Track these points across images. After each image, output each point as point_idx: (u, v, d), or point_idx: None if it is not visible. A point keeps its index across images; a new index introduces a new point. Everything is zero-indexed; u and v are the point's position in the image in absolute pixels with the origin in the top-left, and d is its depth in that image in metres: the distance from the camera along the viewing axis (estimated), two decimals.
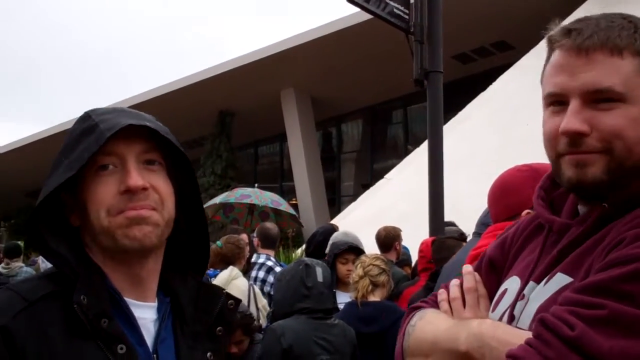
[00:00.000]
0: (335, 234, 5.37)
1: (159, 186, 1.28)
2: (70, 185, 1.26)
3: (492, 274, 1.37)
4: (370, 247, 5.56)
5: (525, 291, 1.22)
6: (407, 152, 15.47)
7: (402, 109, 21.80)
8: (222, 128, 22.77)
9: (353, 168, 23.80)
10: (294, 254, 9.77)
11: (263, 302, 4.66)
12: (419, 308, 1.37)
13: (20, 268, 8.27)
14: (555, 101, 1.18)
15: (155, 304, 1.34)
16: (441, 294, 1.34)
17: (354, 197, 14.93)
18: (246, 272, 5.17)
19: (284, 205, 9.05)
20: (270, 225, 5.93)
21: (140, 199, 1.24)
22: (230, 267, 4.53)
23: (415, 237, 5.77)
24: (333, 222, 11.37)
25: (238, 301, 1.45)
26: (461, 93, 14.88)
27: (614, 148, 1.12)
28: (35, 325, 1.16)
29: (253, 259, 5.59)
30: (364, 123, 23.62)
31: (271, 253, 5.60)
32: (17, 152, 28.05)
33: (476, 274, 1.37)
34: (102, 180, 1.25)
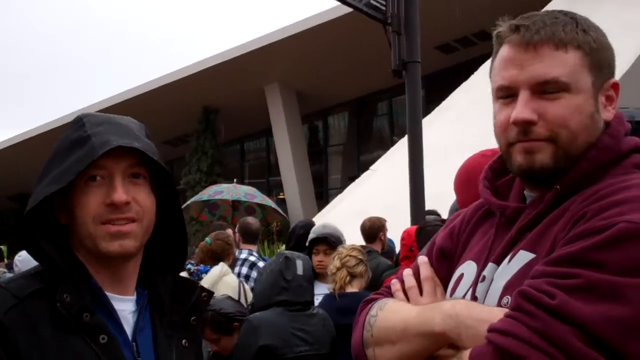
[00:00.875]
0: (314, 227, 5.37)
1: (141, 199, 1.41)
2: (62, 188, 1.37)
3: (443, 262, 1.43)
4: (357, 239, 5.56)
5: (485, 272, 1.28)
6: (393, 144, 15.49)
7: (388, 100, 21.84)
8: (206, 125, 22.73)
9: (340, 161, 23.83)
10: (278, 249, 9.77)
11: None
12: (374, 300, 1.40)
13: (3, 273, 8.20)
14: (505, 94, 1.26)
15: (134, 297, 1.47)
16: (394, 284, 1.39)
17: (342, 190, 14.94)
18: (231, 268, 5.18)
19: (258, 198, 8.95)
20: (251, 220, 5.92)
21: (123, 211, 1.38)
22: (221, 264, 4.55)
23: (401, 227, 5.76)
24: (320, 214, 11.40)
25: (211, 293, 1.60)
26: (445, 83, 14.94)
27: (559, 136, 1.21)
28: (25, 320, 1.28)
29: (235, 255, 5.59)
30: (350, 116, 23.65)
31: (253, 248, 5.60)
32: None
33: (427, 263, 1.42)
34: (91, 190, 1.38)
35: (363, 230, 5.73)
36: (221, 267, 4.49)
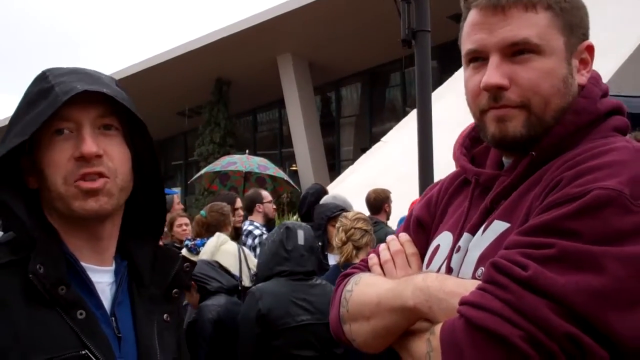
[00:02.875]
0: (324, 197, 5.39)
1: (113, 152, 1.29)
2: (28, 147, 1.27)
3: (421, 232, 1.40)
4: (366, 210, 5.59)
5: (461, 243, 1.24)
6: (405, 115, 15.38)
7: (400, 71, 21.61)
8: (219, 96, 22.68)
9: (352, 132, 23.72)
10: (290, 220, 9.80)
11: (255, 261, 4.70)
12: (350, 274, 1.37)
13: None
14: (475, 57, 1.23)
15: (112, 268, 1.36)
16: (372, 258, 1.36)
17: (354, 161, 14.90)
18: (236, 239, 5.21)
19: (271, 170, 8.99)
20: (249, 192, 6.00)
21: (93, 165, 1.25)
22: (217, 234, 4.55)
23: (413, 198, 5.77)
24: (331, 186, 11.40)
25: (193, 264, 1.50)
26: (459, 53, 14.73)
27: (531, 102, 1.18)
28: None
29: (244, 228, 5.64)
30: (363, 87, 23.47)
31: (255, 218, 5.63)
32: None
33: (405, 234, 1.39)
34: (58, 145, 1.26)
35: (368, 202, 5.78)
36: (217, 238, 4.50)
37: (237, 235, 5.52)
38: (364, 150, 15.64)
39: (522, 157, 1.20)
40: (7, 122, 1.35)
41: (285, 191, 10.15)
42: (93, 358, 1.21)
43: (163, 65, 21.71)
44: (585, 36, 1.24)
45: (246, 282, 4.35)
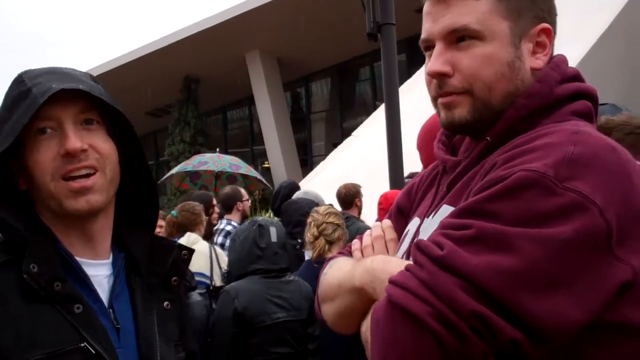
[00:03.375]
0: (296, 193, 5.38)
1: (98, 145, 1.31)
2: (14, 150, 1.28)
3: (401, 219, 1.42)
4: (338, 205, 5.61)
5: (421, 228, 1.27)
6: (375, 109, 15.44)
7: (369, 65, 21.70)
8: (188, 95, 22.54)
9: (323, 127, 23.76)
10: (263, 217, 9.77)
11: (225, 258, 4.68)
12: (333, 258, 1.41)
13: None
14: (427, 47, 1.24)
15: (109, 261, 1.39)
16: (355, 243, 1.38)
17: (326, 156, 14.92)
18: (209, 238, 5.16)
19: (243, 168, 8.94)
20: (227, 189, 5.95)
21: (80, 159, 1.28)
22: (187, 234, 4.51)
23: (384, 192, 5.80)
24: (304, 181, 11.40)
25: (191, 251, 1.51)
26: None
27: (474, 88, 1.18)
28: None
29: (217, 226, 5.60)
30: (332, 82, 23.51)
31: (232, 217, 5.60)
32: None
33: (388, 220, 1.42)
34: (42, 145, 1.28)
35: (339, 197, 5.79)
36: (187, 237, 4.45)
37: (210, 234, 5.47)
38: (335, 145, 15.66)
39: (480, 142, 1.21)
40: None
41: (256, 189, 10.13)
42: (92, 350, 1.24)
43: (130, 64, 21.51)
44: (540, 19, 1.21)
45: (217, 281, 4.32)
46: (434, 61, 1.19)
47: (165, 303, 1.42)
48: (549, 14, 1.23)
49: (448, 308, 0.96)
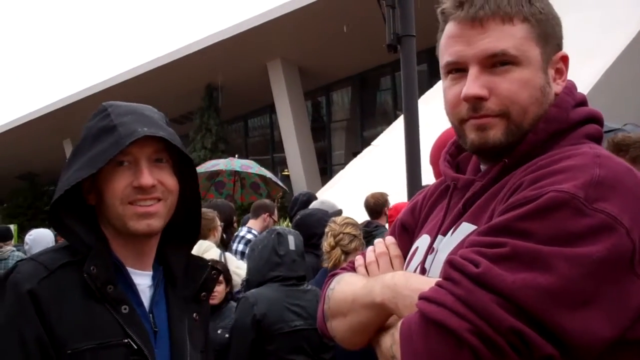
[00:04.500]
0: (312, 203, 5.43)
1: (165, 181, 1.53)
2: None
3: (405, 236, 1.45)
4: (360, 214, 5.63)
5: (435, 244, 1.29)
6: (396, 118, 15.45)
7: (391, 75, 21.71)
8: (210, 102, 22.70)
9: (343, 136, 23.78)
10: (281, 226, 9.80)
11: (236, 263, 4.71)
12: (336, 274, 1.43)
13: (12, 252, 8.30)
14: (454, 69, 1.26)
15: (151, 273, 1.60)
16: (358, 259, 1.41)
17: (345, 165, 14.95)
18: (226, 245, 5.22)
19: (254, 169, 9.01)
20: (265, 201, 6.09)
21: (150, 192, 1.50)
22: (200, 242, 4.57)
23: (405, 201, 5.82)
24: (322, 190, 11.43)
25: (219, 272, 1.76)
26: None
27: (510, 111, 1.21)
28: (56, 289, 1.42)
29: (236, 232, 5.67)
30: (353, 91, 23.54)
31: (254, 225, 5.66)
32: (4, 136, 27.90)
33: (391, 237, 1.45)
34: (119, 175, 1.50)
35: (367, 207, 5.81)
36: (199, 246, 4.50)
37: (228, 241, 5.53)
38: (355, 154, 15.69)
39: (497, 163, 1.24)
40: None
41: (277, 194, 10.19)
42: (135, 346, 1.44)
43: (154, 72, 21.72)
44: (560, 47, 1.27)
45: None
46: (471, 85, 1.20)
47: (195, 314, 1.63)
48: (562, 42, 1.29)
49: (486, 324, 0.98)
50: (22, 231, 14.06)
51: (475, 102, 1.21)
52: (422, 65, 13.50)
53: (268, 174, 9.25)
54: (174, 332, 1.55)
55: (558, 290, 0.99)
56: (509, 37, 1.20)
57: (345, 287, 1.33)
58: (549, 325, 0.98)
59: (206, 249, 4.45)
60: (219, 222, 4.85)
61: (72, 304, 1.42)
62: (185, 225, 1.66)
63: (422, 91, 9.54)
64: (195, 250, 4.21)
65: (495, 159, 1.25)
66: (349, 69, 21.53)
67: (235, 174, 9.14)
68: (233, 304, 3.90)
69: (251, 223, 5.71)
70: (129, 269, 1.54)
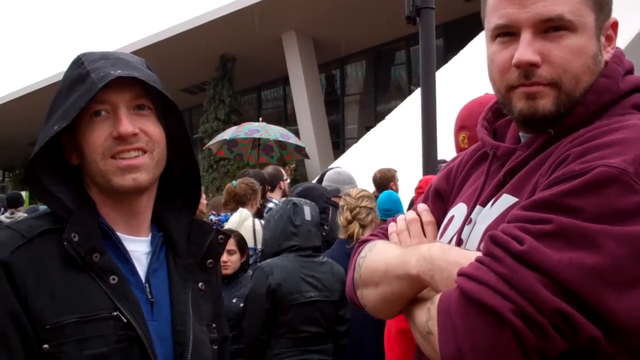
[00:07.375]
0: (328, 174, 5.43)
1: (148, 129, 1.39)
2: (68, 128, 1.35)
3: (439, 202, 1.41)
4: (372, 188, 5.65)
5: (473, 215, 1.25)
6: (410, 93, 15.35)
7: (405, 49, 21.51)
8: (223, 73, 22.61)
9: (357, 110, 23.66)
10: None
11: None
12: (367, 241, 1.39)
13: (24, 217, 8.41)
14: (504, 32, 1.19)
15: (148, 238, 1.46)
16: (391, 226, 1.37)
17: (358, 139, 14.89)
18: (261, 215, 5.28)
19: (292, 139, 8.97)
20: (269, 169, 6.05)
21: (131, 142, 1.36)
22: (240, 210, 4.65)
23: (416, 177, 5.80)
24: (334, 164, 11.40)
25: (227, 236, 1.58)
26: (466, 31, 14.65)
27: (562, 81, 1.15)
28: (33, 259, 1.28)
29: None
30: (367, 65, 23.36)
31: (275, 195, 5.67)
32: (18, 102, 27.96)
33: (423, 204, 1.40)
34: (96, 126, 1.36)
35: (374, 181, 5.85)
36: (240, 214, 4.59)
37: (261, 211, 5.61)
38: (368, 128, 15.62)
39: (541, 132, 1.19)
40: None
41: (293, 160, 10.08)
42: (124, 319, 1.30)
43: (168, 41, 21.63)
44: (611, 12, 1.22)
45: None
46: (524, 50, 1.14)
47: (200, 284, 1.48)
48: (612, 9, 1.24)
49: (530, 304, 0.95)
50: (34, 198, 14.17)
51: (528, 69, 1.15)
52: (438, 40, 13.36)
53: (301, 144, 9.20)
54: (174, 302, 1.42)
55: (605, 270, 0.96)
56: (565, 1, 1.14)
57: (378, 255, 1.29)
58: (594, 306, 0.95)
59: (246, 217, 4.53)
60: (260, 195, 4.91)
61: (51, 274, 1.28)
62: (184, 184, 1.53)
63: (438, 67, 9.44)
64: (236, 219, 4.23)
65: (540, 129, 1.20)
66: (363, 42, 21.33)
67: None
68: (250, 272, 3.93)
69: (270, 194, 5.74)
70: (121, 235, 1.39)
